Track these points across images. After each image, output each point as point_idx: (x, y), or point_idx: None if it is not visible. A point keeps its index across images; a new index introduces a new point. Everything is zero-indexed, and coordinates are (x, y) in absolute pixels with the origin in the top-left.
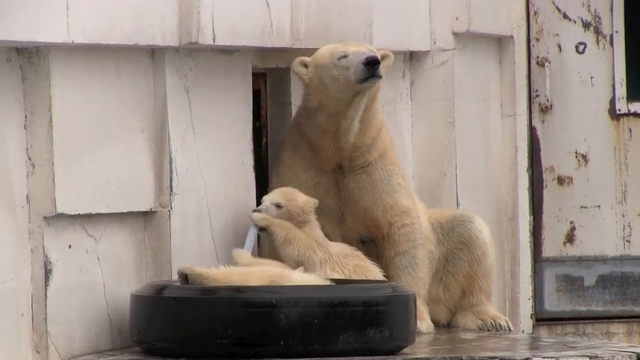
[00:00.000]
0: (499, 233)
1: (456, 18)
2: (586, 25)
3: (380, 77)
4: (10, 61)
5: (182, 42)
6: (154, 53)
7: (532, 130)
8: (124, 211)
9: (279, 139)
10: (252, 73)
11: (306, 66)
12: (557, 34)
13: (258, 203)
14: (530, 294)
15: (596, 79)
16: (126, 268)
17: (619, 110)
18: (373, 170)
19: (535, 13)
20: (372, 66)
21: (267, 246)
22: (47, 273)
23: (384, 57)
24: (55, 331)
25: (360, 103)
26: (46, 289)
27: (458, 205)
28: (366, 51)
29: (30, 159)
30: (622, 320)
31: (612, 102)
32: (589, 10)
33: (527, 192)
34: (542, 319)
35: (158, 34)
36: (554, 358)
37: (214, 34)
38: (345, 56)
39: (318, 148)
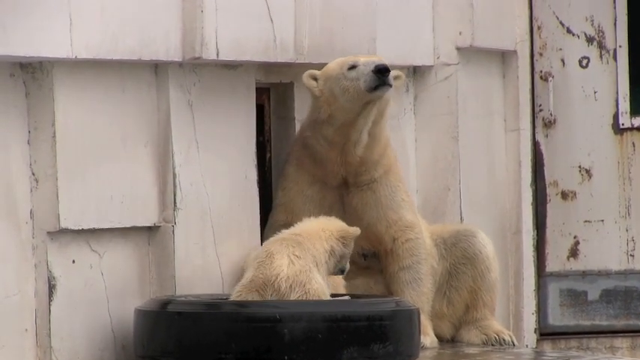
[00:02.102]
0: (503, 248)
1: (460, 33)
2: (589, 40)
3: (390, 86)
4: (14, 76)
5: (186, 57)
6: (158, 68)
7: (536, 145)
8: (127, 226)
9: (282, 154)
10: (256, 88)
11: (315, 79)
12: (560, 49)
13: (262, 217)
14: (534, 308)
15: (600, 93)
16: (130, 283)
17: (622, 125)
18: (378, 186)
19: (539, 27)
20: (382, 74)
21: None
22: (51, 288)
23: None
24: (59, 346)
25: (370, 113)
26: (49, 305)
27: (462, 219)
28: (376, 60)
29: (34, 174)
30: (626, 335)
31: (616, 116)
32: (592, 24)
33: (530, 206)
34: (546, 333)
35: (162, 49)
36: None
37: (218, 49)
38: (354, 66)
39: (324, 161)
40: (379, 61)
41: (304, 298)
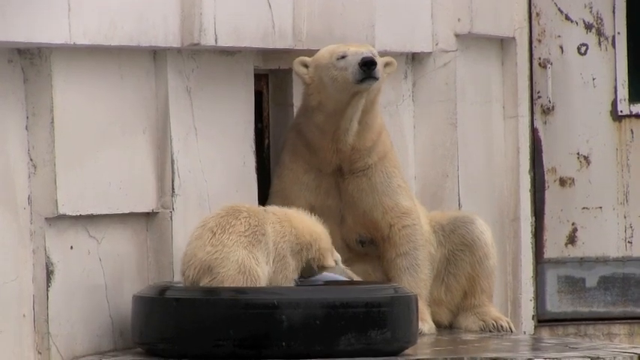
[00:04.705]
0: (501, 234)
1: (458, 19)
2: (588, 27)
3: (376, 79)
4: (12, 62)
5: (184, 43)
6: (156, 54)
7: (534, 132)
8: (125, 212)
9: (280, 141)
10: (254, 75)
11: (306, 66)
12: (559, 36)
13: (260, 204)
14: (532, 295)
15: (598, 80)
16: (128, 269)
17: (621, 112)
18: (373, 173)
19: (537, 14)
20: (367, 67)
21: None
22: (49, 274)
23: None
24: (57, 332)
25: (359, 104)
26: (47, 291)
27: (460, 206)
28: (364, 52)
29: (32, 160)
30: (623, 321)
31: (614, 103)
32: (591, 11)
33: (528, 193)
34: (544, 320)
35: (160, 35)
36: (555, 359)
37: (216, 36)
38: (344, 57)
39: (317, 149)
40: (367, 52)
41: (214, 284)
